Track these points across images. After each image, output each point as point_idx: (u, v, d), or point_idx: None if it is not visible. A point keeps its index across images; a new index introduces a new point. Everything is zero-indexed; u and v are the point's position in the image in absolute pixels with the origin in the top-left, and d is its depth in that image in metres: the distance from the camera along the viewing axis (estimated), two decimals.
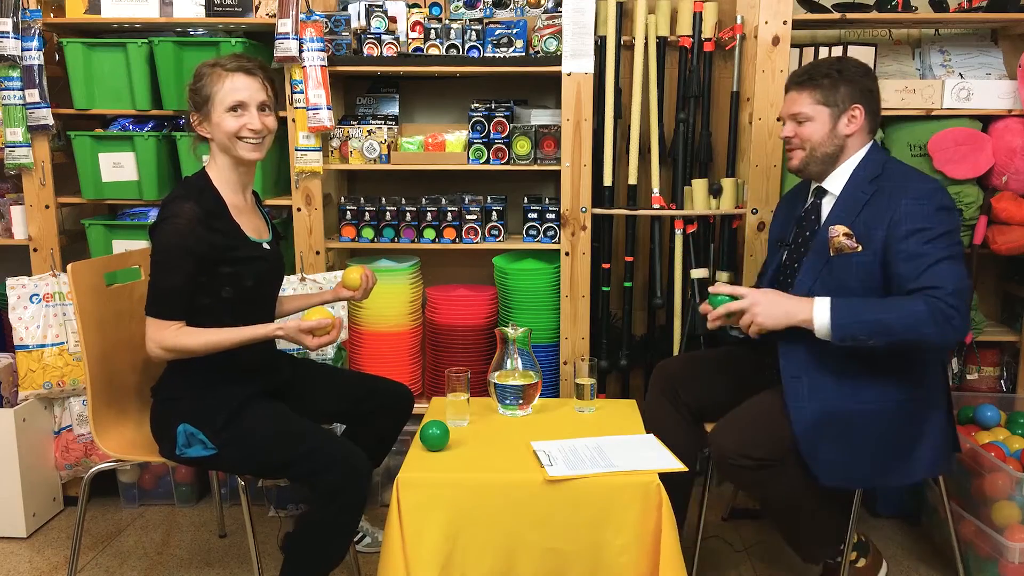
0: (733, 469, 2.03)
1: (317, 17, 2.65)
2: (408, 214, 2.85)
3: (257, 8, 2.71)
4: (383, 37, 2.75)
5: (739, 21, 2.79)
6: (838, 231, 2.06)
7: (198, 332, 2.00)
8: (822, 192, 2.18)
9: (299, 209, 2.78)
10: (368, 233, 2.86)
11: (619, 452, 2.02)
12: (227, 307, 2.06)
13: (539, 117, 2.89)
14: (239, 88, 2.05)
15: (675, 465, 1.96)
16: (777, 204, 2.51)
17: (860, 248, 2.03)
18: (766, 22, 2.65)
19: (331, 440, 2.02)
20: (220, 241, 2.02)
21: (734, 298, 2.06)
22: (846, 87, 2.10)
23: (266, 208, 2.32)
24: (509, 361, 2.29)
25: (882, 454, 2.04)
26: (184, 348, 1.99)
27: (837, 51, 2.65)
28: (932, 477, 2.27)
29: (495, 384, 2.29)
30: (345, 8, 2.86)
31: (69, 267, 2.14)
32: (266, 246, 2.17)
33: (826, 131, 2.11)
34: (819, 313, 1.98)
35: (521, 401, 2.28)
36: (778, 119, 2.59)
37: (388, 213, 2.86)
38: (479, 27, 2.73)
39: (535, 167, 2.82)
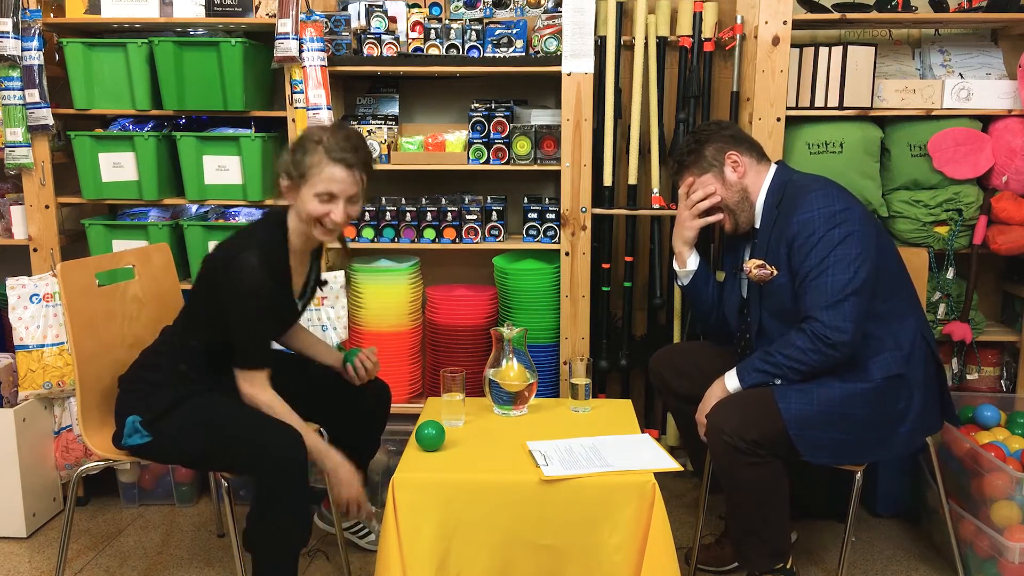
0: (725, 447, 2.04)
1: (317, 17, 2.65)
2: (408, 214, 2.85)
3: (257, 8, 2.71)
4: (383, 37, 2.76)
5: (739, 21, 2.79)
6: (749, 266, 2.21)
7: (272, 396, 2.05)
8: (754, 231, 2.28)
9: None
10: (368, 233, 2.86)
11: (614, 452, 2.02)
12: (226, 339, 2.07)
13: (539, 117, 2.89)
14: (336, 180, 2.00)
15: (670, 464, 1.97)
16: None
17: (775, 272, 2.16)
18: (766, 22, 2.64)
19: (263, 430, 1.99)
20: (275, 294, 2.06)
21: None
22: (709, 148, 2.25)
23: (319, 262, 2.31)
24: (505, 361, 2.29)
25: (866, 431, 2.08)
26: (256, 401, 2.04)
27: (837, 51, 2.64)
28: (912, 451, 2.33)
29: (491, 383, 2.29)
30: (345, 8, 2.87)
31: (59, 266, 2.13)
32: (298, 303, 2.21)
33: (722, 186, 2.26)
34: (730, 384, 2.14)
35: (515, 401, 2.28)
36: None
37: (388, 213, 2.86)
38: (479, 27, 2.73)
39: (535, 167, 2.82)
